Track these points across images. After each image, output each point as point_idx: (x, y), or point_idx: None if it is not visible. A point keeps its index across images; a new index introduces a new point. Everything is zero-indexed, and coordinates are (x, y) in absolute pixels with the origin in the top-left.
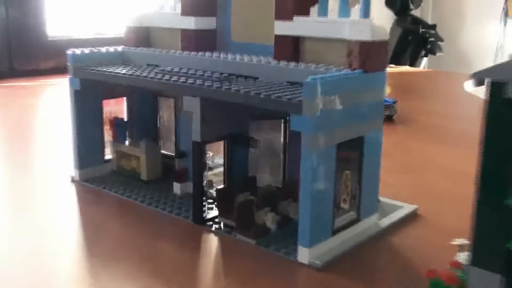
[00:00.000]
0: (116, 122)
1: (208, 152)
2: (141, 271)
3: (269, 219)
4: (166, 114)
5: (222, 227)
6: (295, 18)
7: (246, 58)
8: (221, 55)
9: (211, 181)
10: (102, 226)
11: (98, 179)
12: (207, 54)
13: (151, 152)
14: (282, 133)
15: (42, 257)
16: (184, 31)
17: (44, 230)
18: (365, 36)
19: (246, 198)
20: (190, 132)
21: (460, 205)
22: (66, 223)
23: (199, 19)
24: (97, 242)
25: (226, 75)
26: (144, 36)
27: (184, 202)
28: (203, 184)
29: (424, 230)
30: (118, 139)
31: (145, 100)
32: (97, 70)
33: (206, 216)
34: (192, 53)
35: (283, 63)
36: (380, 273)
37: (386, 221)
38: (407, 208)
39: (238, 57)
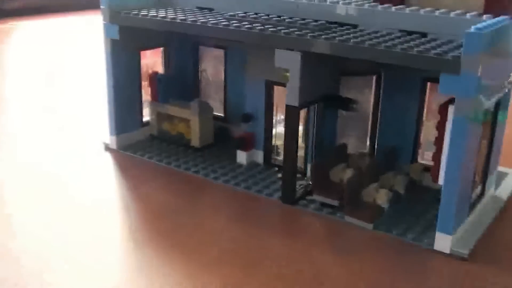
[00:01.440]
0: (157, 78)
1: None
2: (234, 264)
3: (382, 197)
4: (210, 67)
5: (320, 207)
6: None
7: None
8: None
9: (277, 146)
10: (167, 207)
11: (138, 146)
12: None
13: (205, 114)
14: (373, 92)
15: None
16: None
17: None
18: None
19: (352, 172)
20: (257, 92)
21: None
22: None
23: None
24: (172, 230)
25: (315, 22)
26: None
27: (255, 175)
28: (296, 158)
29: None
30: (159, 98)
31: (184, 51)
32: (143, 15)
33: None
34: None
35: (389, 7)
36: None
37: (503, 192)
38: None
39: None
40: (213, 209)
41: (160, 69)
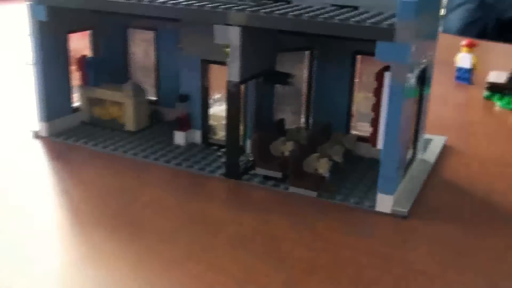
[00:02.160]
0: (87, 62)
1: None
2: (193, 236)
3: (323, 166)
4: (140, 50)
5: (263, 180)
6: None
7: None
8: None
9: (212, 126)
10: (112, 189)
11: (70, 132)
12: None
13: (138, 97)
14: (307, 67)
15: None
16: None
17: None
18: None
19: (293, 145)
20: (192, 71)
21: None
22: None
23: None
24: (121, 210)
25: None
26: None
27: (195, 154)
28: (239, 133)
29: (465, 159)
30: (89, 82)
31: (113, 34)
32: None
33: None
34: None
35: None
36: (458, 211)
37: (430, 156)
38: (438, 140)
39: None
40: (159, 188)
41: (88, 53)
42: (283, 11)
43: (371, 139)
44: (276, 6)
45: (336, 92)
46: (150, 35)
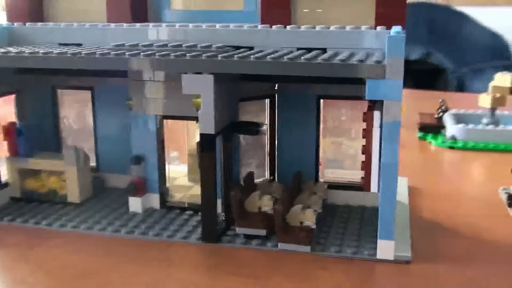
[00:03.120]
0: (17, 130)
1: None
2: None
3: (310, 218)
4: (72, 113)
5: (246, 240)
6: None
7: (217, 25)
8: (177, 25)
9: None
10: (72, 271)
11: (1, 211)
12: (151, 25)
13: (82, 163)
14: (268, 115)
15: None
16: None
17: None
18: None
19: (270, 199)
20: (145, 129)
21: None
22: None
23: None
24: None
25: (212, 46)
26: (35, 7)
27: (158, 220)
28: (215, 191)
29: (432, 197)
30: (19, 152)
31: (41, 96)
32: (10, 53)
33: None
34: (138, 24)
35: (280, 27)
36: (451, 249)
37: (402, 197)
38: (401, 181)
39: (205, 25)
40: (132, 263)
41: (13, 119)
42: (259, 54)
43: (364, 184)
44: (242, 52)
45: (302, 140)
46: (84, 94)
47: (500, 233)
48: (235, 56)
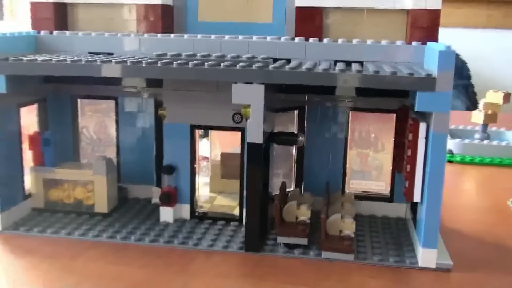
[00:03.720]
0: (45, 139)
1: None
2: None
3: (350, 227)
4: (92, 123)
5: (288, 249)
6: None
7: (254, 37)
8: (212, 36)
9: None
10: (124, 283)
11: (27, 222)
12: (186, 35)
13: (111, 173)
14: (296, 126)
15: None
16: (144, 7)
17: None
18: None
19: (309, 208)
20: (177, 139)
21: None
22: None
23: None
24: None
25: (254, 57)
26: (61, 16)
27: (193, 230)
28: (262, 200)
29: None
30: (46, 162)
31: (62, 105)
32: (45, 61)
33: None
34: (172, 35)
35: (316, 41)
36: (481, 255)
37: None
38: None
39: (241, 37)
40: (179, 274)
41: (35, 129)
42: (307, 66)
43: (407, 193)
44: (282, 64)
45: (330, 151)
46: (107, 104)
47: None
48: (286, 67)
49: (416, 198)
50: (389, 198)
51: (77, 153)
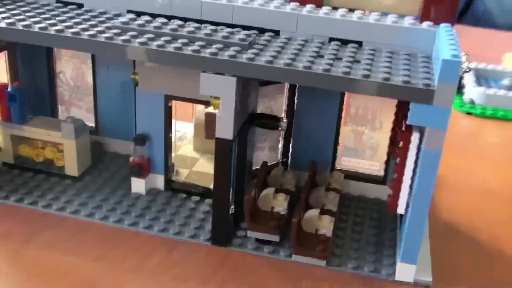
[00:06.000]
0: (9, 93)
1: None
2: None
3: (327, 226)
4: (70, 69)
5: (258, 245)
6: None
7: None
8: None
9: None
10: (68, 274)
11: None
12: None
13: (81, 136)
14: (286, 98)
15: None
16: None
17: None
18: None
19: (286, 199)
20: (151, 109)
21: None
22: None
23: None
24: None
25: (235, 30)
26: None
27: (163, 208)
28: (229, 198)
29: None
30: (12, 117)
31: (34, 52)
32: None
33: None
34: None
35: (315, 11)
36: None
37: None
38: None
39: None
40: (136, 273)
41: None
42: (287, 61)
43: (391, 204)
44: (267, 41)
45: (321, 125)
46: (84, 53)
47: None
48: (263, 59)
49: (401, 210)
50: (382, 181)
51: (54, 100)
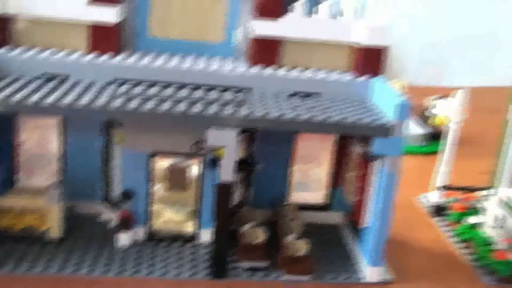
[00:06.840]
0: None
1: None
2: None
3: (303, 247)
4: (34, 137)
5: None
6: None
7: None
8: (158, 61)
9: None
10: None
11: None
12: (146, 60)
13: (63, 200)
14: (245, 147)
15: None
16: (94, 27)
17: None
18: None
19: (264, 231)
20: (136, 164)
21: None
22: None
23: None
24: None
25: (196, 88)
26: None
27: (155, 255)
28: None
29: None
30: None
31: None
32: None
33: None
34: (129, 59)
35: (272, 73)
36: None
37: None
38: None
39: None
40: None
41: None
42: (276, 114)
43: (355, 220)
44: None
45: (276, 168)
46: (52, 121)
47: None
48: (259, 114)
49: (364, 224)
50: (326, 208)
51: (17, 168)
